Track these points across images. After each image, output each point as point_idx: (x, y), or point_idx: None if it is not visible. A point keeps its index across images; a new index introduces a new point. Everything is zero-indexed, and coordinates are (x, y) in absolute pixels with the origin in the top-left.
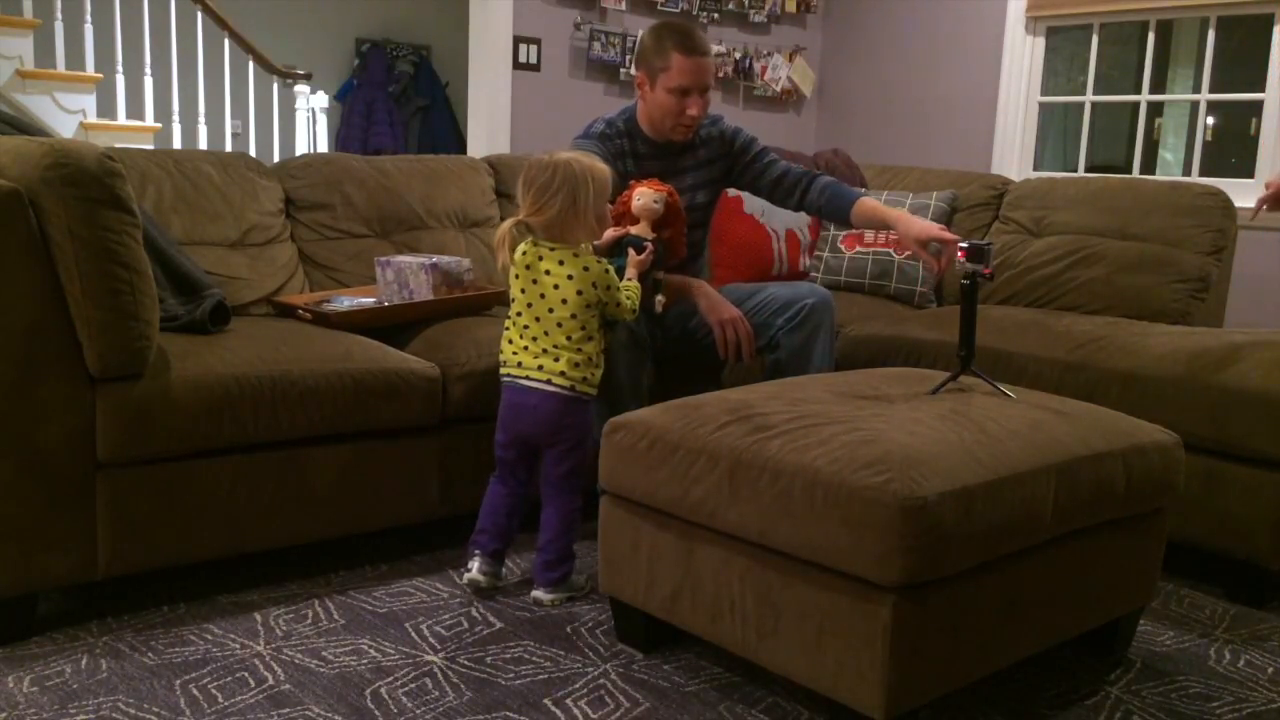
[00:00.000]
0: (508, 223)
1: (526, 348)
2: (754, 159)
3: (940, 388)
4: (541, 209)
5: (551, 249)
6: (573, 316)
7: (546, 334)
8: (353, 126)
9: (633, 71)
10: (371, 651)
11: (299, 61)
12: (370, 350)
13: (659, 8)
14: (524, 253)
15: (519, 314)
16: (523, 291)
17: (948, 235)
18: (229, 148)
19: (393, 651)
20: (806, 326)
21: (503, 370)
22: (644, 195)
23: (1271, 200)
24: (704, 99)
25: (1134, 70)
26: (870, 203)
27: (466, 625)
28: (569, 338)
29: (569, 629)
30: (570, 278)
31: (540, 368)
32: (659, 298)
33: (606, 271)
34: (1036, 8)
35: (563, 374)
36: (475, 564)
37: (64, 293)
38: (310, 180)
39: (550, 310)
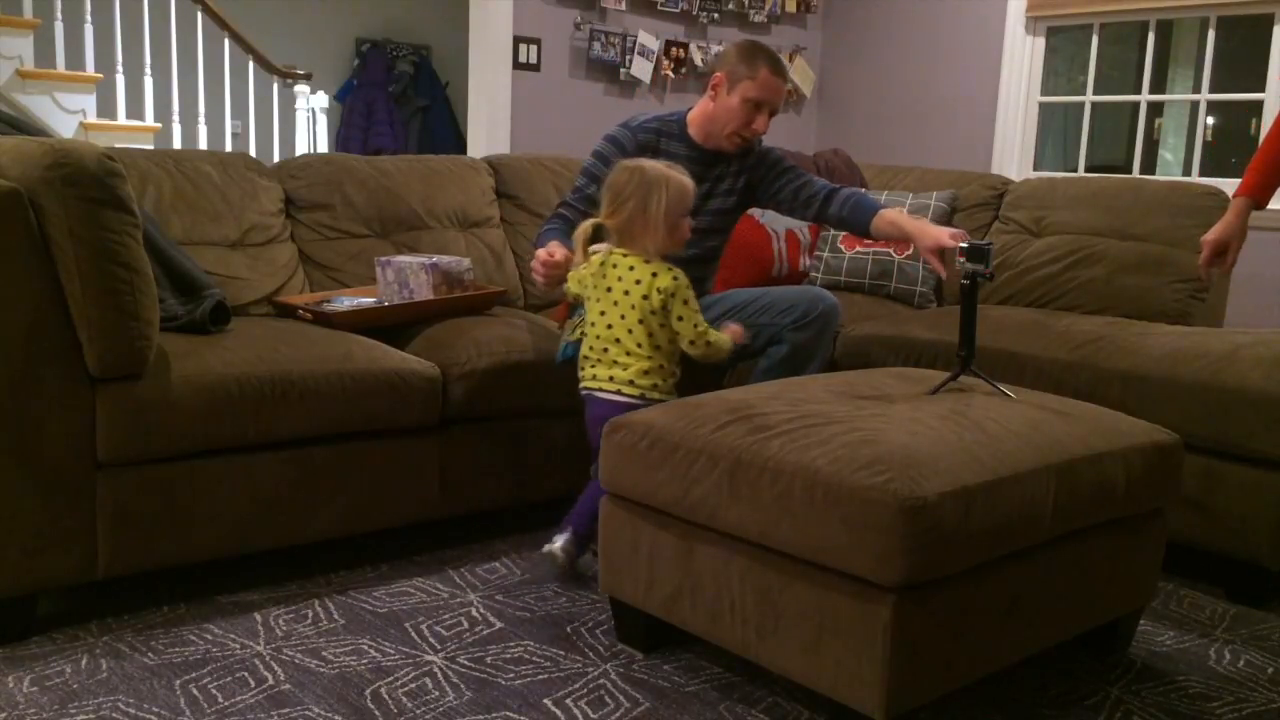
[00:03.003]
0: (588, 222)
1: (599, 359)
2: (781, 172)
3: (940, 388)
4: (615, 212)
5: (624, 255)
6: (640, 322)
7: (618, 341)
8: (353, 126)
9: (632, 74)
10: (371, 651)
11: (299, 61)
12: (370, 350)
13: (659, 8)
14: (601, 263)
15: (592, 324)
16: (597, 301)
17: (954, 244)
18: (229, 148)
19: (393, 651)
20: (814, 327)
21: (581, 384)
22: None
23: (1211, 258)
24: (769, 120)
25: (1134, 70)
26: (890, 214)
27: (466, 625)
28: (639, 344)
29: (569, 629)
30: (638, 282)
31: (611, 378)
32: None
33: (675, 279)
34: (1036, 8)
35: (631, 383)
36: (561, 538)
37: (64, 293)
38: (310, 180)
39: (622, 317)
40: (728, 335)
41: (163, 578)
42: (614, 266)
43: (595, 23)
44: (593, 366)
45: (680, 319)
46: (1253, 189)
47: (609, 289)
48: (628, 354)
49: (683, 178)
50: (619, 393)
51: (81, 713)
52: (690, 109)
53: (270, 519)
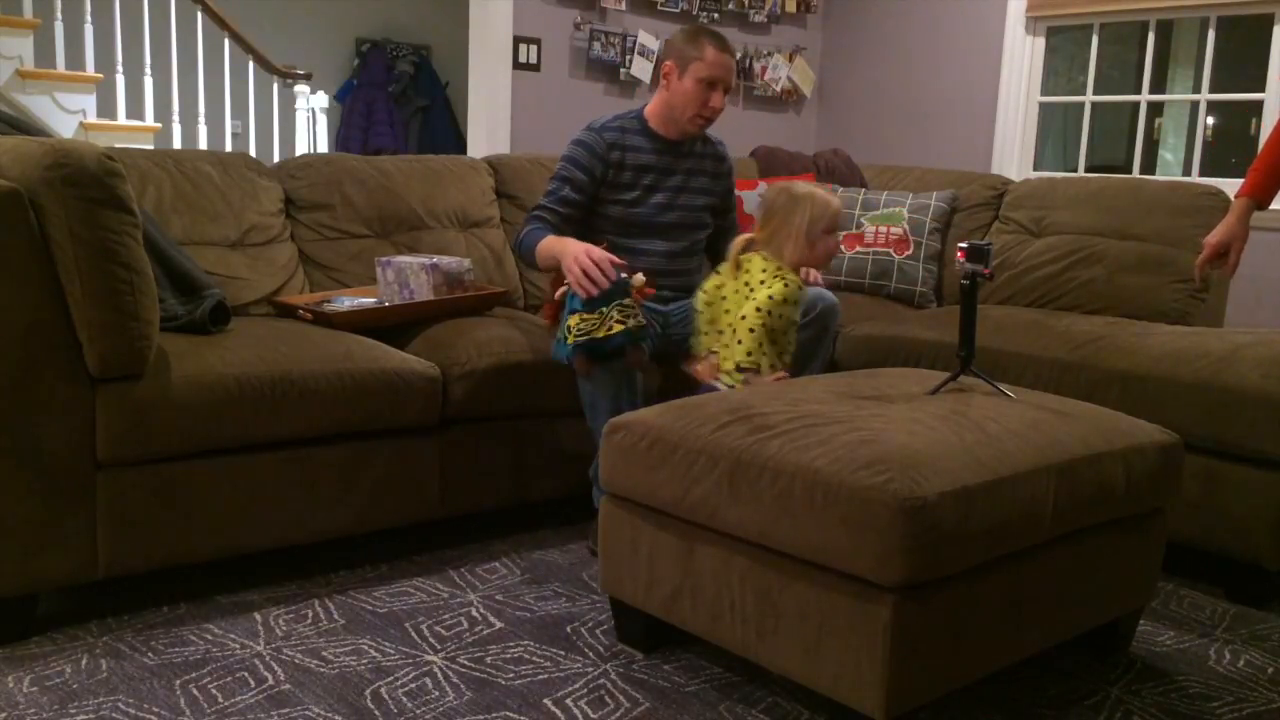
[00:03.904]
0: (742, 237)
1: (722, 345)
2: (727, 209)
3: (940, 388)
4: (764, 225)
5: (764, 257)
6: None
7: (733, 330)
8: (353, 126)
9: (632, 74)
10: (371, 651)
11: (299, 61)
12: (370, 350)
13: (659, 8)
14: (750, 257)
15: (726, 311)
16: (735, 293)
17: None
18: (229, 148)
19: (393, 651)
20: (814, 326)
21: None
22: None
23: (1211, 258)
24: (725, 97)
25: (1134, 70)
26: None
27: (466, 625)
28: (750, 330)
29: (569, 629)
30: (763, 283)
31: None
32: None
33: (785, 278)
34: (1036, 8)
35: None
36: None
37: (64, 293)
38: (310, 180)
39: (756, 310)
40: (772, 376)
41: (163, 578)
42: (751, 263)
43: (595, 23)
44: (709, 349)
45: (756, 296)
46: (1255, 189)
47: (746, 282)
48: (740, 342)
49: (830, 197)
50: (732, 389)
51: (81, 713)
52: (646, 104)
53: (270, 519)
